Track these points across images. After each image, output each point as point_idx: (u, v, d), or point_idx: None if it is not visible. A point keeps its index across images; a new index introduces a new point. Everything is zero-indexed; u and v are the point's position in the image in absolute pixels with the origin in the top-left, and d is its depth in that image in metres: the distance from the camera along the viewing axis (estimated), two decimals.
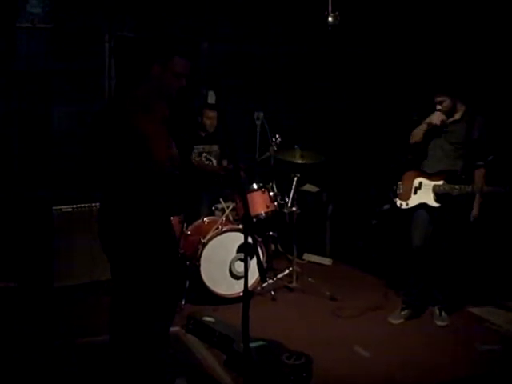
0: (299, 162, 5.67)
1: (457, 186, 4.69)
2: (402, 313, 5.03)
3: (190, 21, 6.25)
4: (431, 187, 4.82)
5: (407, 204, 4.97)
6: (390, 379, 4.09)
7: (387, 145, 6.48)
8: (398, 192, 5.05)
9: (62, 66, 5.60)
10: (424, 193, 4.87)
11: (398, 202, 5.04)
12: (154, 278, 3.27)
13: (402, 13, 6.28)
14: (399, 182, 5.05)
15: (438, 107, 4.76)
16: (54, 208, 5.23)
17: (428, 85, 5.08)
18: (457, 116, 4.81)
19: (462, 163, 4.80)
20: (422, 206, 4.88)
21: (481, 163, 4.80)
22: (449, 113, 4.79)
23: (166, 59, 3.13)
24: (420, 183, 4.91)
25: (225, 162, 6.05)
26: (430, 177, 4.86)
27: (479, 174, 4.80)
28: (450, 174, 4.77)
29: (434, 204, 4.80)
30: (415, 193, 4.93)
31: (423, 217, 4.91)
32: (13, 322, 4.51)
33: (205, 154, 5.39)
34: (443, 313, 4.99)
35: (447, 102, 4.73)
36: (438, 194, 4.78)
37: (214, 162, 5.69)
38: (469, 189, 4.67)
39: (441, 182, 4.77)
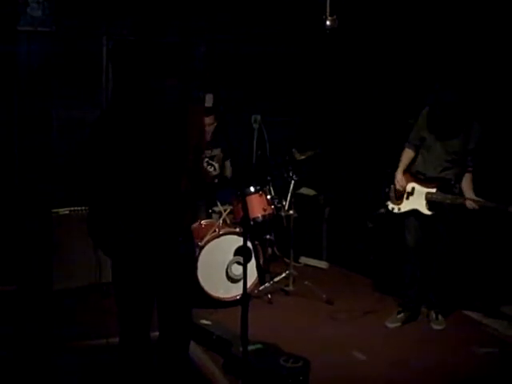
0: (301, 158, 5.71)
1: (449, 196, 4.69)
2: (399, 316, 5.05)
3: (187, 23, 6.26)
4: (424, 194, 4.81)
5: (399, 209, 4.98)
6: (386, 383, 4.11)
7: (383, 148, 6.50)
8: (390, 195, 5.07)
9: (62, 69, 5.62)
10: (416, 199, 4.87)
11: (390, 206, 5.06)
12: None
13: (399, 16, 6.30)
14: (392, 185, 5.06)
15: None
16: (52, 211, 5.23)
17: (424, 88, 5.09)
18: (455, 123, 4.77)
19: (455, 171, 4.79)
20: (414, 213, 4.90)
21: (470, 169, 4.78)
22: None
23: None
24: (413, 188, 4.92)
25: (228, 164, 5.97)
26: (423, 183, 4.86)
27: (466, 179, 4.77)
28: (443, 183, 4.77)
29: (426, 212, 4.80)
30: (407, 198, 4.94)
31: (415, 222, 4.93)
32: (12, 325, 4.50)
33: (206, 159, 5.35)
34: (440, 316, 5.01)
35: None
36: (430, 202, 4.78)
37: (217, 166, 5.67)
38: (461, 200, 4.66)
39: (434, 190, 4.76)
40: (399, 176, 5.00)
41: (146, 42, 6.18)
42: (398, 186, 4.98)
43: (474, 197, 4.64)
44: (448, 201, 4.69)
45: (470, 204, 4.59)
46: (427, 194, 4.79)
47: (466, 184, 4.75)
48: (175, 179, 3.12)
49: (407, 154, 5.06)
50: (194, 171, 3.20)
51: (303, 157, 5.71)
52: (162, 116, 3.09)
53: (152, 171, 3.05)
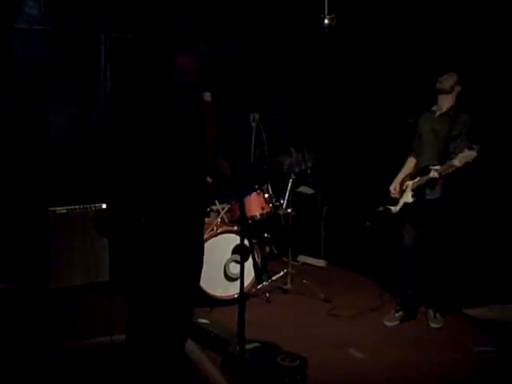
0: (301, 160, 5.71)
1: (424, 177, 4.73)
2: (397, 314, 5.05)
3: (186, 22, 6.24)
4: (411, 186, 4.90)
5: (395, 209, 5.03)
6: (384, 381, 4.10)
7: (382, 147, 6.50)
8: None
9: (59, 68, 5.61)
10: (407, 193, 4.94)
11: (392, 209, 5.10)
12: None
13: (398, 14, 6.29)
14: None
15: (439, 85, 4.81)
16: (48, 209, 5.23)
17: (424, 87, 5.09)
18: (444, 109, 4.85)
19: (439, 158, 4.77)
20: (406, 208, 4.94)
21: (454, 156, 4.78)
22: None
23: (166, 58, 3.06)
24: (407, 186, 4.98)
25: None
26: (412, 178, 4.93)
27: (448, 164, 4.68)
28: (422, 169, 4.81)
29: (410, 200, 4.87)
30: (401, 196, 5.00)
31: (411, 219, 4.95)
32: (8, 324, 4.50)
33: None
34: (437, 314, 5.01)
35: (455, 78, 4.79)
36: (414, 191, 4.85)
37: None
38: (431, 174, 4.67)
39: (417, 179, 4.83)
40: (393, 185, 5.08)
41: (145, 39, 6.18)
42: (392, 195, 5.08)
43: (437, 167, 4.66)
44: (424, 180, 4.73)
45: (433, 174, 4.64)
46: (412, 184, 4.87)
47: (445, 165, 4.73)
48: (195, 174, 3.13)
49: (409, 163, 5.15)
50: (213, 167, 3.22)
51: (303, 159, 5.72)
52: (176, 113, 3.08)
53: (171, 168, 3.06)
